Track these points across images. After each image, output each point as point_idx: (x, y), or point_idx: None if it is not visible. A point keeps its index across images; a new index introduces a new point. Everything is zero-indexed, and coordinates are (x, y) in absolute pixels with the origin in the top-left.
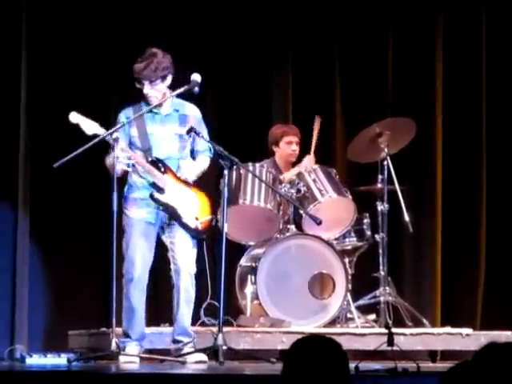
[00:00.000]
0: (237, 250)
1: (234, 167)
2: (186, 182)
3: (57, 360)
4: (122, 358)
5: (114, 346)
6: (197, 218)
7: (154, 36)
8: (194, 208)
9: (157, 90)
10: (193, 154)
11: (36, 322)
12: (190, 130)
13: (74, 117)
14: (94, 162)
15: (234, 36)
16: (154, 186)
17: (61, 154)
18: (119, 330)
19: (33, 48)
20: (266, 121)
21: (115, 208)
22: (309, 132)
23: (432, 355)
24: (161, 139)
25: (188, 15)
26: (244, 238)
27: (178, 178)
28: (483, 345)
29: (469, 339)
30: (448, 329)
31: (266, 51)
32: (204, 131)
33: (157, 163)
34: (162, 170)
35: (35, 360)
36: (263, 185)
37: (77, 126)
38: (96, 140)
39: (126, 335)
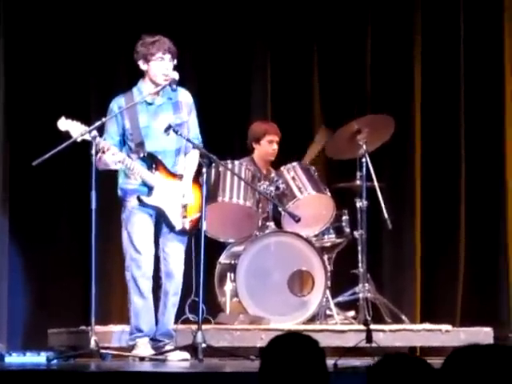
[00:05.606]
0: (216, 247)
1: (213, 165)
2: (179, 177)
3: (36, 358)
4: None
5: (93, 343)
6: (185, 216)
7: (133, 28)
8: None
9: (171, 67)
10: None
11: (16, 320)
12: (168, 128)
13: (63, 124)
14: (73, 160)
15: (212, 31)
16: (143, 184)
17: (40, 152)
18: (98, 328)
19: (10, 46)
20: (245, 117)
21: (94, 206)
22: (286, 129)
23: (411, 352)
24: (155, 132)
25: (166, 9)
26: (223, 235)
27: (171, 174)
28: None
29: (448, 335)
30: (427, 325)
31: (245, 47)
32: (194, 118)
33: (148, 160)
34: (154, 166)
35: (14, 358)
36: (242, 182)
37: (66, 133)
38: (75, 138)
39: (138, 330)
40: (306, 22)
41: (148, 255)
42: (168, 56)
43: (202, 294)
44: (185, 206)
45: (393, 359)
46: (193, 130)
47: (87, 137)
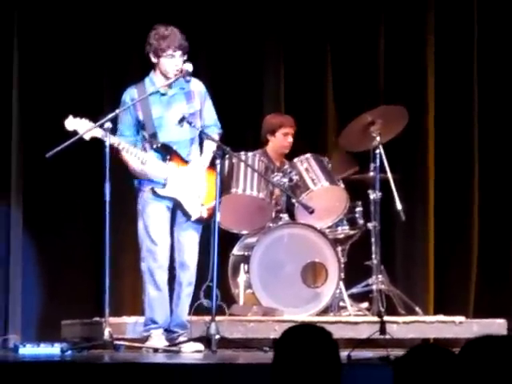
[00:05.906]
0: (229, 239)
1: (227, 156)
2: (194, 166)
3: (50, 350)
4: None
5: (107, 335)
6: (202, 204)
7: (146, 22)
8: (201, 194)
9: (181, 63)
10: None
11: (29, 311)
12: (182, 120)
13: (70, 123)
14: (86, 152)
15: (225, 25)
16: None
17: (53, 144)
18: (112, 319)
19: (24, 43)
20: (258, 110)
21: (108, 198)
22: (300, 122)
23: (425, 343)
24: (169, 122)
25: (179, 3)
26: (236, 227)
27: (186, 162)
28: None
29: (461, 327)
30: (441, 317)
31: (258, 40)
32: (210, 104)
33: (162, 151)
34: (168, 157)
35: (28, 350)
36: (255, 174)
37: (74, 133)
38: (88, 129)
39: (152, 321)
40: (320, 14)
41: (164, 246)
42: (179, 53)
43: (216, 284)
44: (201, 196)
45: (420, 351)
46: (210, 116)
47: (97, 133)
